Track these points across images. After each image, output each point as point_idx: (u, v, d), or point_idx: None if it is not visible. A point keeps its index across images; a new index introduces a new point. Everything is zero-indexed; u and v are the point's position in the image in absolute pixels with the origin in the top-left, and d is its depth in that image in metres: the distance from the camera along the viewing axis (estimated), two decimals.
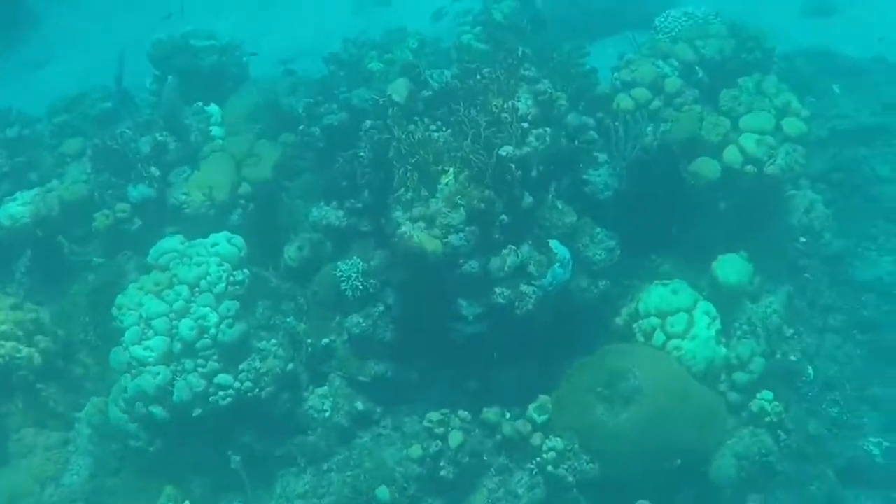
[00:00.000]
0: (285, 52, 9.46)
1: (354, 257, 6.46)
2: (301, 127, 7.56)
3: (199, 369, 6.27)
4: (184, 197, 7.18)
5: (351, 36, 8.83)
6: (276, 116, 8.08)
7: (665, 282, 6.56)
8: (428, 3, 10.13)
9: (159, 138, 7.46)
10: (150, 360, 6.22)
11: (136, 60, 9.09)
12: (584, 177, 6.52)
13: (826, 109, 8.70)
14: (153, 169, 7.33)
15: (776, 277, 7.07)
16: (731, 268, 6.60)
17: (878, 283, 7.62)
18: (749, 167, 6.52)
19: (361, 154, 6.47)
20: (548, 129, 6.10)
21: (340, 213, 6.70)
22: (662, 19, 7.95)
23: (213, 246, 6.60)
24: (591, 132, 6.65)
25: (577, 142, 6.53)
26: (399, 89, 6.45)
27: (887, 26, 11.50)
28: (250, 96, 8.46)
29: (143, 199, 7.24)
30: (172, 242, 6.72)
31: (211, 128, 7.89)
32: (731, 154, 6.55)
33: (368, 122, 6.49)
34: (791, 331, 6.87)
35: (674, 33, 7.65)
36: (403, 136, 5.91)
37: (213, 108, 8.21)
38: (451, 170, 5.87)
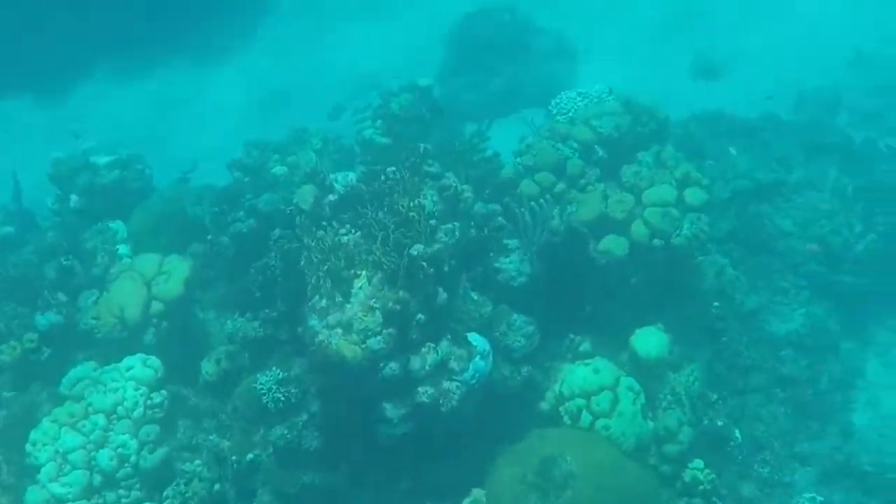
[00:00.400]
0: (187, 158, 9.37)
1: (273, 368, 6.36)
2: (209, 237, 7.51)
3: (123, 500, 6.11)
4: (94, 321, 6.98)
5: (252, 139, 8.79)
6: (182, 227, 7.96)
7: (586, 361, 6.57)
8: (327, 100, 10.21)
9: (64, 262, 7.31)
10: (70, 496, 6.06)
11: (35, 178, 8.92)
12: (496, 265, 6.55)
13: (725, 171, 8.98)
14: (60, 295, 7.17)
15: (695, 344, 7.16)
16: (648, 341, 6.65)
17: (794, 335, 7.80)
18: (656, 241, 6.60)
19: (273, 264, 6.44)
20: (456, 223, 6.15)
21: (256, 323, 6.64)
22: (558, 101, 8.03)
23: (128, 370, 6.48)
24: (499, 218, 6.70)
25: (486, 230, 6.57)
26: (305, 196, 6.44)
27: (773, 84, 11.97)
28: (155, 208, 8.30)
29: (52, 326, 7.04)
30: (85, 370, 6.58)
31: (117, 246, 7.75)
32: (637, 229, 6.63)
33: (277, 232, 6.48)
34: (715, 396, 6.93)
35: (570, 114, 7.76)
36: (314, 244, 5.89)
37: (117, 224, 8.07)
38: (364, 273, 5.84)
